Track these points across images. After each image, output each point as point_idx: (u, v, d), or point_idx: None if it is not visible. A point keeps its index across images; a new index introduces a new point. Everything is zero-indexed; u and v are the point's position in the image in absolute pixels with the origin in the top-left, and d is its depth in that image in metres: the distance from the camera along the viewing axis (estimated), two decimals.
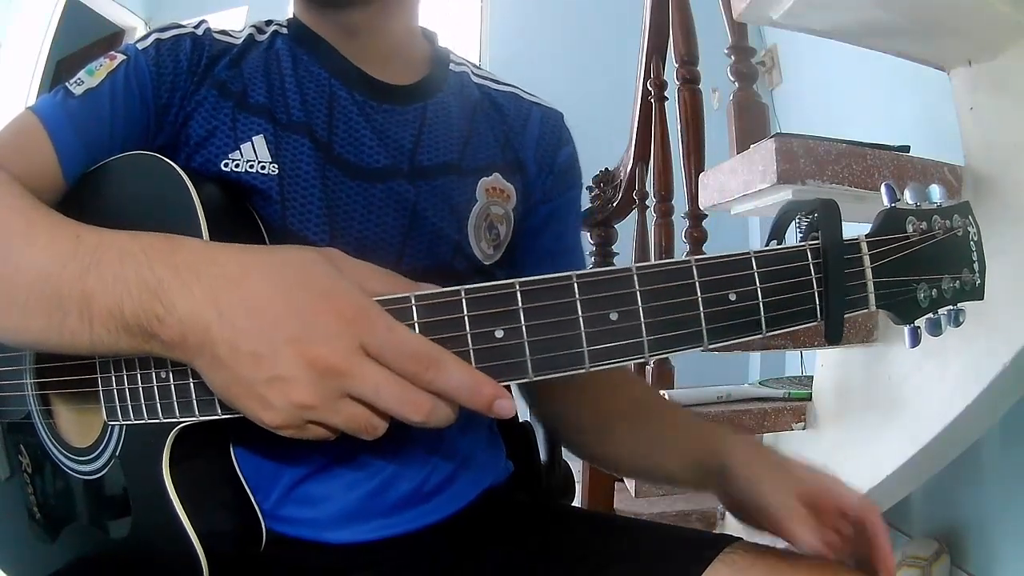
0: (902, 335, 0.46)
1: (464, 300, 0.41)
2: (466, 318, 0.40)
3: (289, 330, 0.38)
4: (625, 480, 1.65)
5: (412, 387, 0.39)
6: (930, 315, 0.46)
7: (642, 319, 0.41)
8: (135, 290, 0.40)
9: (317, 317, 0.38)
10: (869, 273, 0.44)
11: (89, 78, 0.57)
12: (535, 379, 0.41)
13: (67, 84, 0.57)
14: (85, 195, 0.56)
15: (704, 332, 0.42)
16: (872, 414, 1.25)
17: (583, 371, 0.41)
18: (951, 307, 0.47)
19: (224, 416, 0.45)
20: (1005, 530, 1.50)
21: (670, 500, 1.74)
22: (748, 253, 0.42)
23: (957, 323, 0.47)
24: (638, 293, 0.41)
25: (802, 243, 0.43)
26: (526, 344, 0.40)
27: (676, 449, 0.64)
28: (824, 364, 1.41)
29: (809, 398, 1.42)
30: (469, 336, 0.40)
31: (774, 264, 0.42)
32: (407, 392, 0.39)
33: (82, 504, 0.57)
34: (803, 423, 1.41)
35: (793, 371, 2.29)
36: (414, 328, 0.40)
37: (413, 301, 0.41)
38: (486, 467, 0.69)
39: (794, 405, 1.42)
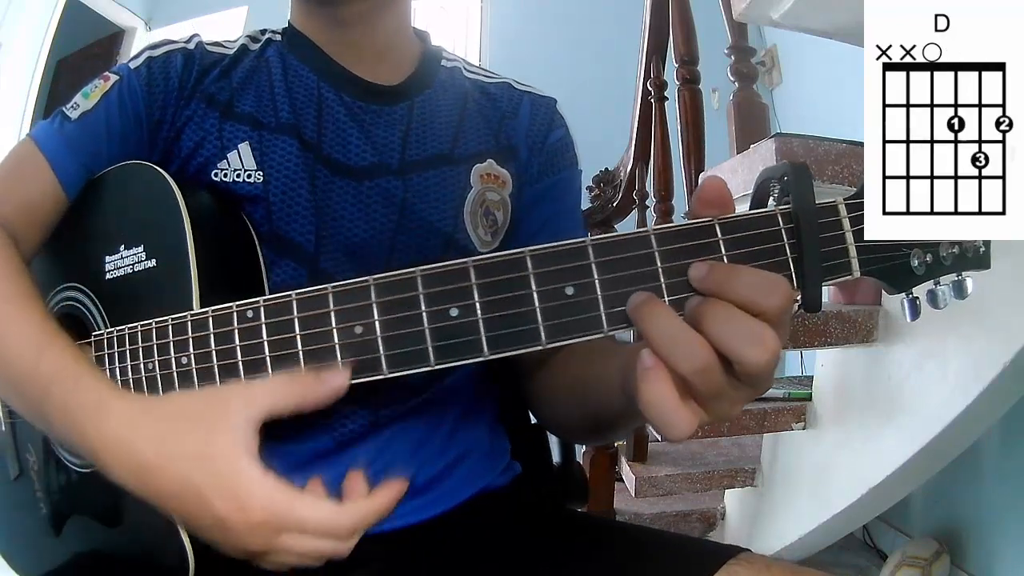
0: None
1: (419, 278, 0.40)
2: (421, 296, 0.40)
3: (209, 523, 0.44)
4: (625, 480, 1.65)
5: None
6: (930, 285, 0.42)
7: (599, 292, 0.39)
8: (78, 445, 0.47)
9: (230, 522, 0.43)
10: (850, 237, 0.40)
11: (84, 101, 0.59)
12: (491, 357, 0.40)
13: (64, 108, 0.59)
14: (77, 202, 0.59)
15: (666, 303, 0.39)
16: (872, 414, 1.25)
17: (540, 347, 0.40)
18: (954, 276, 0.41)
19: None
20: (1005, 530, 1.50)
21: (670, 500, 1.74)
22: (711, 220, 0.39)
23: (962, 295, 0.41)
24: (593, 266, 0.39)
25: (772, 208, 0.40)
26: (480, 322, 0.40)
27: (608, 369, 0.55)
28: (824, 364, 1.41)
29: (809, 398, 1.42)
30: (424, 315, 0.40)
31: (741, 230, 0.39)
32: (331, 549, 0.45)
33: (82, 498, 0.57)
34: (803, 423, 1.41)
35: (793, 371, 2.29)
36: (372, 310, 0.41)
37: (371, 281, 0.41)
38: (483, 466, 0.68)
39: (794, 405, 1.42)
